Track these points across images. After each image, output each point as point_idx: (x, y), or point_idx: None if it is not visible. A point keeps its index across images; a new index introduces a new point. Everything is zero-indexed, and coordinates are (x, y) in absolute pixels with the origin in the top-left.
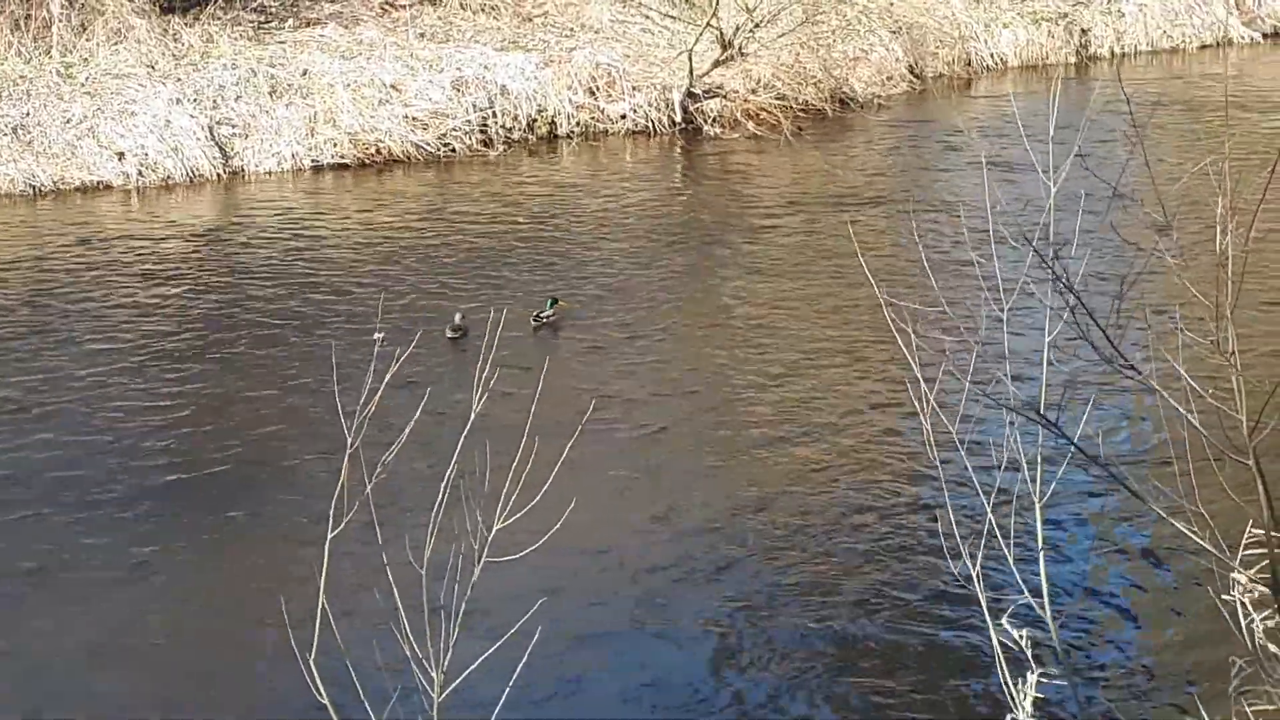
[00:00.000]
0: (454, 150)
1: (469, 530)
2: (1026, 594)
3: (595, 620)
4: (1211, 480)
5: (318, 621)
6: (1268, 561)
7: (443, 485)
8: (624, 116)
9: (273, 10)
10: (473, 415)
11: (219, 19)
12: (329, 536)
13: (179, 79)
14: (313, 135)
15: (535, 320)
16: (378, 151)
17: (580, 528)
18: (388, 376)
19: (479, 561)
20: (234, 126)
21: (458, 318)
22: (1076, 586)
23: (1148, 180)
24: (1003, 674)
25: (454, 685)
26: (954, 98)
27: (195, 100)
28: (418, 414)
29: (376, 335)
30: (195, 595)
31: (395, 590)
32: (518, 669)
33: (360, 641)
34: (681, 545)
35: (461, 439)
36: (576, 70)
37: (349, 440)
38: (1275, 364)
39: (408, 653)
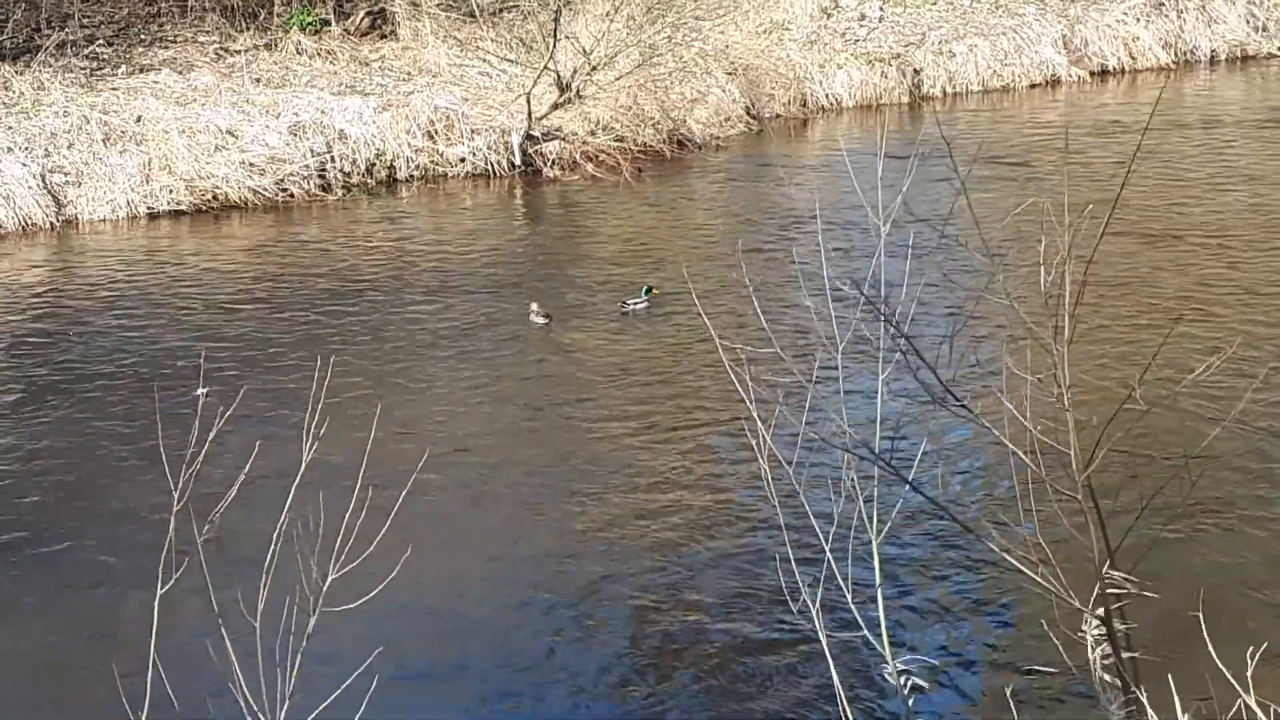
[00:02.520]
0: (292, 195)
1: (303, 580)
2: (866, 632)
3: (433, 667)
4: (1051, 514)
5: (149, 678)
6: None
7: (274, 536)
8: (463, 160)
9: (105, 57)
10: (303, 466)
11: (50, 66)
12: (158, 592)
13: (9, 127)
14: (148, 182)
15: (623, 307)
16: (214, 198)
17: (418, 575)
18: (211, 434)
19: (314, 611)
20: (67, 174)
21: (535, 307)
22: (918, 623)
23: (982, 219)
24: (843, 710)
25: None
26: (790, 138)
27: (26, 148)
28: (247, 467)
29: (200, 391)
30: (19, 657)
31: (228, 643)
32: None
33: (193, 696)
34: (518, 590)
35: (293, 489)
36: (415, 114)
37: (175, 497)
38: (1109, 399)
39: (243, 706)
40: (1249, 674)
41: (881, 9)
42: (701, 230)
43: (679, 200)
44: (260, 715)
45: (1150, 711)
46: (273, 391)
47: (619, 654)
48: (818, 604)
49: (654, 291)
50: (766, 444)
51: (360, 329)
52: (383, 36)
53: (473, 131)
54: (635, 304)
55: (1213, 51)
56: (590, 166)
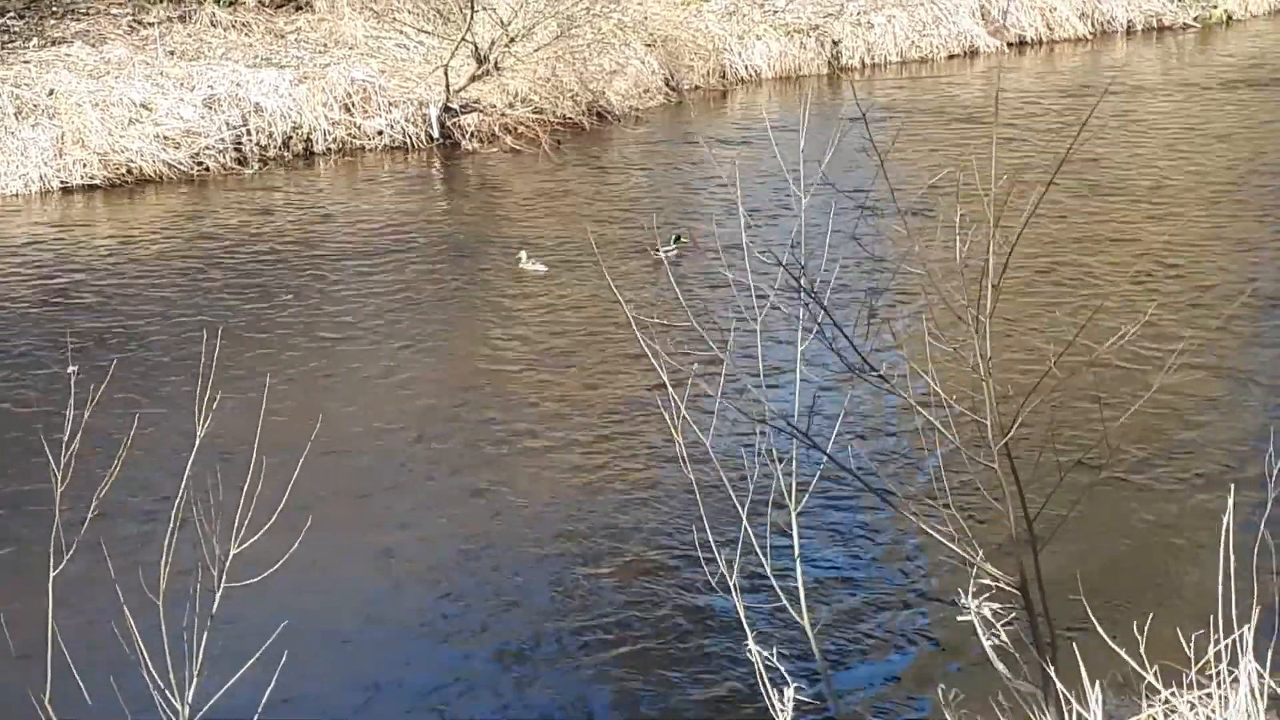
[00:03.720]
0: (208, 169)
1: (205, 557)
2: (785, 601)
3: (342, 638)
4: (969, 485)
5: (48, 660)
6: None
7: (173, 513)
8: (381, 132)
9: (16, 30)
10: (198, 439)
11: None
12: (52, 574)
13: None
14: (61, 156)
15: (655, 251)
16: (129, 171)
17: (323, 548)
18: (86, 413)
19: (218, 588)
20: None
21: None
22: (836, 593)
23: (904, 191)
24: (763, 686)
25: (200, 715)
26: (710, 110)
27: None
28: (129, 440)
29: (70, 370)
30: None
31: (131, 622)
32: (266, 694)
33: (99, 678)
34: (428, 559)
35: (189, 464)
36: (331, 87)
37: (58, 477)
38: (1028, 370)
39: (150, 686)
40: (1145, 644)
41: None
42: (619, 202)
43: (598, 172)
44: (168, 694)
45: (1058, 682)
46: (177, 365)
47: (531, 626)
48: (735, 577)
49: (682, 240)
50: (681, 416)
51: (273, 303)
52: (298, 8)
53: (390, 104)
54: (666, 251)
55: (1129, 22)
56: (509, 139)
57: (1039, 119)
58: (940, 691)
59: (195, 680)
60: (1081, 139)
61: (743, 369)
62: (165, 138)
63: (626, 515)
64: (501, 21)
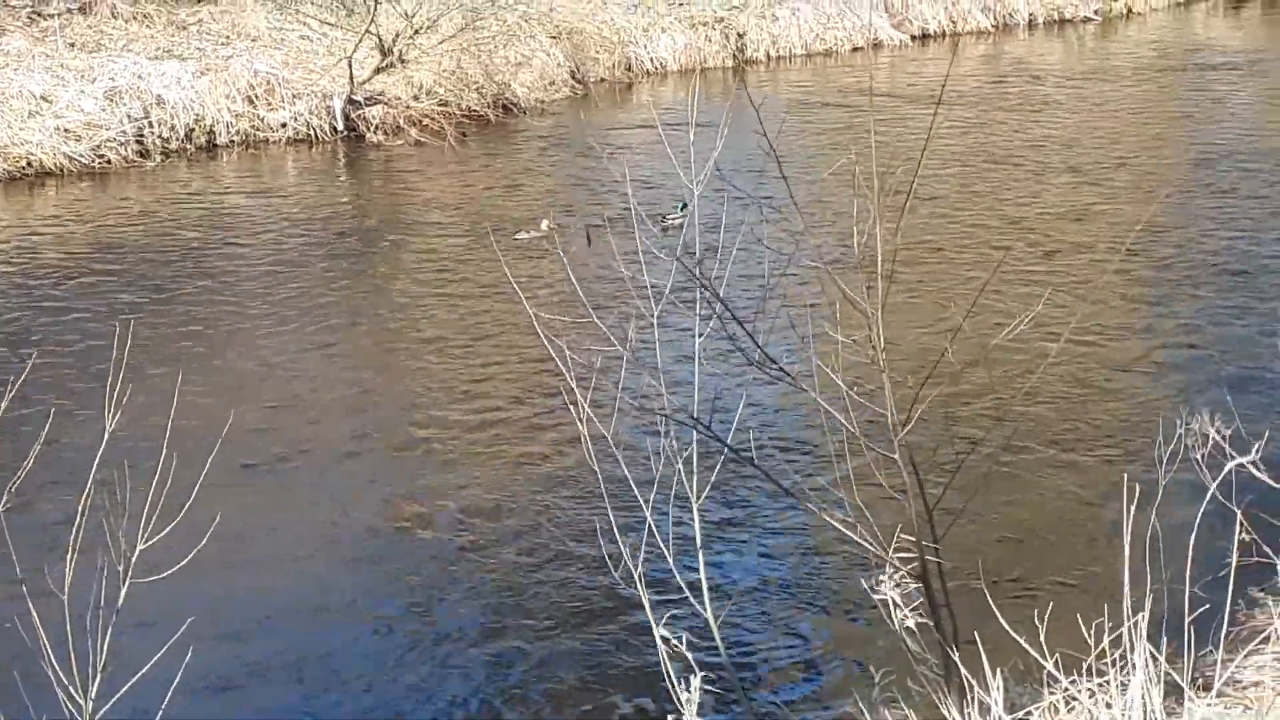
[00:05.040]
0: (109, 162)
1: (112, 553)
2: (689, 594)
3: (248, 633)
4: (871, 477)
5: None
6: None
7: (79, 509)
8: (284, 125)
9: None
10: (106, 434)
11: None
12: None
13: None
14: None
15: (663, 221)
16: (29, 165)
17: (230, 544)
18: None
19: (124, 583)
20: None
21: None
22: (738, 586)
23: (803, 184)
24: (669, 677)
25: (102, 712)
26: (615, 102)
27: None
28: (43, 436)
29: None
30: None
31: (35, 616)
32: (170, 690)
33: (2, 676)
34: (334, 552)
35: (97, 458)
36: (234, 79)
37: None
38: (923, 361)
39: (54, 682)
40: (1047, 630)
41: None
42: (522, 194)
43: (502, 164)
44: (71, 689)
45: (963, 670)
46: (80, 361)
47: (436, 622)
48: (639, 568)
49: (687, 208)
50: (586, 411)
51: (177, 296)
52: (200, 0)
53: (294, 96)
54: (673, 219)
55: (1031, 15)
56: (414, 131)
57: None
58: (845, 681)
59: (99, 676)
60: (984, 127)
61: (644, 361)
62: (66, 130)
63: (536, 505)
64: (406, 14)
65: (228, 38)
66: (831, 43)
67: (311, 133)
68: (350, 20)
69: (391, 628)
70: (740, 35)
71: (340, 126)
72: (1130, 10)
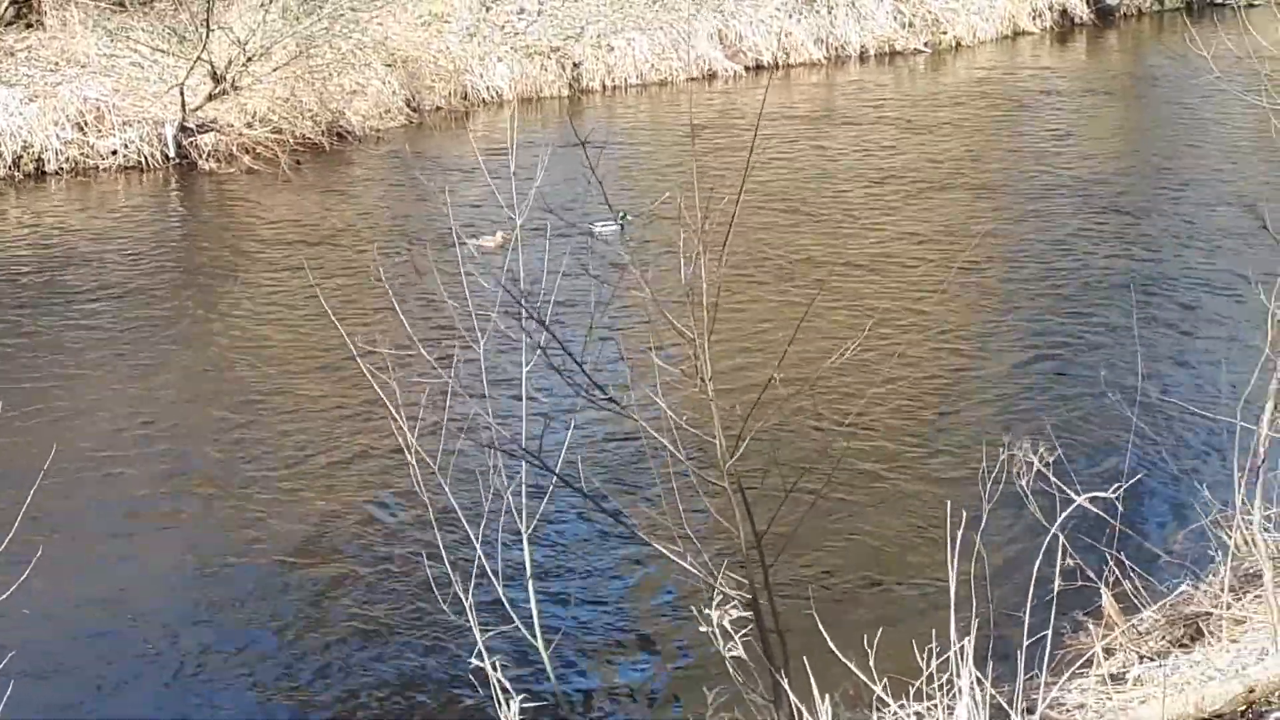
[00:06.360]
0: None
1: None
2: (518, 623)
3: (72, 667)
4: (702, 506)
5: None
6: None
7: None
8: (115, 152)
9: None
10: None
11: None
12: None
13: None
14: None
15: (599, 226)
16: None
17: (51, 576)
18: None
19: None
20: None
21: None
22: (569, 614)
23: (632, 215)
24: (497, 700)
25: None
26: (451, 130)
27: None
28: None
29: None
30: None
31: None
32: None
33: None
34: (157, 586)
35: None
36: (63, 105)
37: None
38: (752, 388)
39: None
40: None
41: (540, 2)
42: (354, 223)
43: (337, 192)
44: None
45: (793, 696)
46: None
47: (266, 658)
48: (469, 598)
49: (627, 217)
50: (414, 445)
51: (0, 327)
52: (29, 26)
53: (125, 123)
54: (604, 228)
55: (863, 47)
56: (248, 159)
57: (766, 140)
58: (674, 708)
59: None
60: (809, 159)
61: (471, 392)
62: None
63: (363, 536)
64: (239, 40)
65: (57, 64)
66: (667, 73)
67: (143, 160)
68: (182, 47)
69: (207, 663)
70: (576, 65)
71: (172, 154)
72: (960, 43)
